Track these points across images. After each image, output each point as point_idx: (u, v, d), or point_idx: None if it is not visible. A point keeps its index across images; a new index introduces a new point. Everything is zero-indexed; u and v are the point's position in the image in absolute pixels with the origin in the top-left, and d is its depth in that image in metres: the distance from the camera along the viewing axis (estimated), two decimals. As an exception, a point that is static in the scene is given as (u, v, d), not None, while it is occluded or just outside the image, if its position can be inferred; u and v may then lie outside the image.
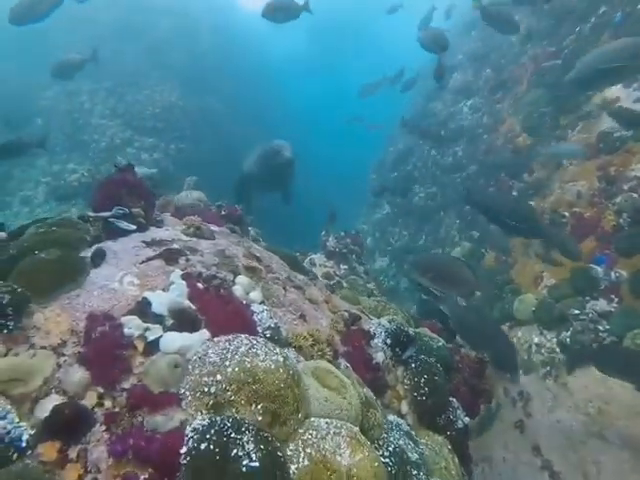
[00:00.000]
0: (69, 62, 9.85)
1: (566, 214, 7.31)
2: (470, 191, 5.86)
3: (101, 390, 1.62)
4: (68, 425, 1.46)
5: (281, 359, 1.91)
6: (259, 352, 1.89)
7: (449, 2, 16.47)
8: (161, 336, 1.86)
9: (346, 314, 2.74)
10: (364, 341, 2.79)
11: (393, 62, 18.50)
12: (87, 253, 2.25)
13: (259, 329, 2.17)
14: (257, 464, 1.53)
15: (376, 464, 1.87)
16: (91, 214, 2.50)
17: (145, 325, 1.85)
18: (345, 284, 6.63)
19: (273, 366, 1.85)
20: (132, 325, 1.82)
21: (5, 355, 1.61)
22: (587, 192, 7.17)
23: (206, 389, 1.72)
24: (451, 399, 3.24)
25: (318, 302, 2.73)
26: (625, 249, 6.28)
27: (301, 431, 1.84)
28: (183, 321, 1.96)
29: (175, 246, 2.42)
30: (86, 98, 14.27)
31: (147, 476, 1.45)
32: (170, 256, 2.26)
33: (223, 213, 5.20)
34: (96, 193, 2.63)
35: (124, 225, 2.44)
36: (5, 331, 1.65)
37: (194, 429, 1.61)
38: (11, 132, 11.22)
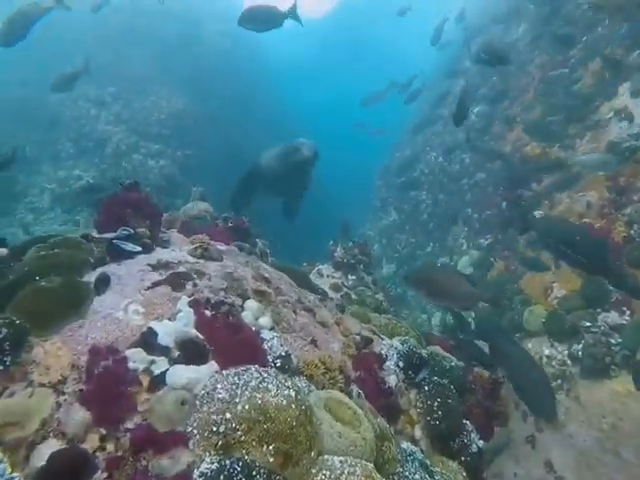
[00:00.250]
0: (63, 76, 9.88)
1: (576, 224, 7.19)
2: (533, 220, 5.62)
3: (103, 431, 1.53)
4: (66, 475, 1.36)
5: (293, 393, 1.82)
6: (270, 386, 1.79)
7: (460, 7, 16.33)
8: (167, 369, 1.77)
9: (357, 337, 2.65)
10: (376, 365, 2.69)
11: (399, 68, 18.47)
12: (91, 277, 2.17)
13: (269, 358, 2.08)
14: (269, 513, 1.44)
15: (393, 505, 1.77)
16: (95, 235, 2.42)
17: (150, 358, 1.76)
18: (354, 295, 6.53)
19: (285, 402, 1.75)
20: (137, 359, 1.73)
21: (0, 394, 1.52)
22: (597, 203, 7.05)
23: (215, 428, 1.63)
24: (465, 422, 3.13)
25: (329, 325, 2.64)
26: (636, 261, 6.15)
27: (314, 471, 1.74)
28: (190, 352, 1.87)
29: (182, 269, 2.33)
30: (92, 104, 14.28)
31: (152, 527, 1.36)
32: (177, 281, 2.17)
33: (230, 225, 5.14)
34: (100, 212, 2.55)
35: (129, 247, 2.36)
36: (1, 367, 1.56)
37: (202, 474, 1.51)
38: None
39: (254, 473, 1.54)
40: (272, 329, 2.28)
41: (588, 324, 6.10)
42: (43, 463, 1.37)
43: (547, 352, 6.72)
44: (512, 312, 7.59)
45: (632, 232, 6.37)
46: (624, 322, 5.91)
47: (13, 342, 1.61)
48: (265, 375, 1.84)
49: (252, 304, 2.27)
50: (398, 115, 16.99)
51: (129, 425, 1.58)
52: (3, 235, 9.57)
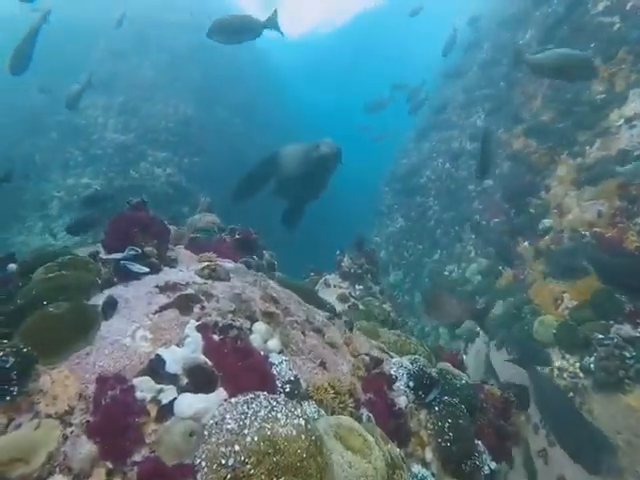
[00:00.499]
0: (70, 95, 10.01)
1: (586, 234, 7.10)
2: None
3: (110, 465, 1.50)
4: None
5: (303, 423, 1.78)
6: (279, 415, 1.76)
7: (471, 9, 16.28)
8: (175, 398, 1.75)
9: (367, 358, 2.61)
10: (386, 386, 2.65)
11: (406, 74, 18.46)
12: (98, 299, 2.15)
13: (278, 383, 2.04)
14: None
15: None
16: (103, 256, 2.41)
17: (158, 387, 1.73)
18: (361, 306, 6.48)
19: (295, 432, 1.71)
20: (144, 388, 1.70)
21: (7, 426, 1.49)
22: (608, 211, 6.95)
23: (223, 461, 1.60)
24: (477, 442, 3.07)
25: (338, 346, 2.60)
26: (651, 271, 6.04)
27: (325, 504, 1.70)
28: (199, 380, 1.84)
29: (190, 291, 2.31)
30: (100, 112, 14.41)
31: None
32: (184, 304, 2.15)
33: (237, 237, 5.12)
34: (108, 231, 2.54)
35: (136, 268, 2.34)
36: (8, 398, 1.54)
37: (210, 509, 1.48)
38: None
39: (264, 509, 1.50)
40: (281, 352, 2.25)
41: (601, 336, 5.99)
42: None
43: (558, 364, 6.62)
44: (521, 322, 7.50)
45: (645, 241, 6.26)
46: (638, 334, 5.80)
47: (20, 371, 1.59)
48: (274, 403, 1.81)
49: (260, 327, 2.24)
50: (401, 119, 16.94)
51: (136, 458, 1.55)
52: (13, 243, 9.60)
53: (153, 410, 1.68)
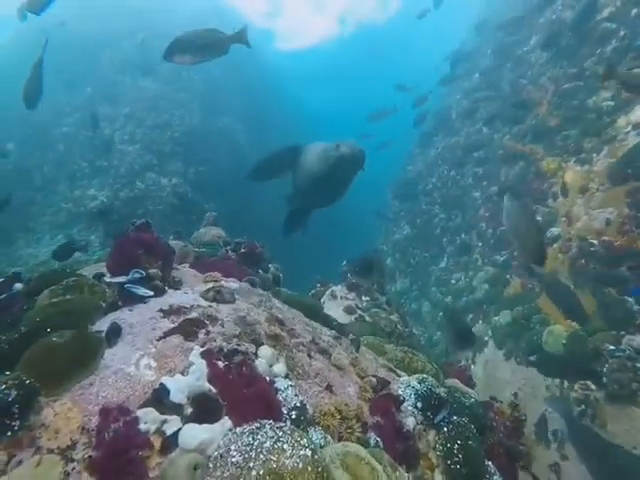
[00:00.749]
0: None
1: (595, 242, 7.02)
2: None
3: (113, 503, 1.48)
4: None
5: (309, 453, 1.74)
6: (285, 447, 1.72)
7: (475, 19, 16.29)
8: (180, 429, 1.72)
9: (374, 380, 2.57)
10: (394, 407, 2.60)
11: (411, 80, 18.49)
12: (102, 324, 2.14)
13: (284, 410, 2.01)
14: None
15: None
16: (107, 278, 2.40)
17: (162, 418, 1.71)
18: (367, 318, 6.43)
19: (301, 465, 1.68)
20: (148, 419, 1.68)
21: (7, 463, 1.47)
22: (616, 219, 6.87)
23: (229, 496, 1.57)
24: (487, 463, 3.01)
25: (344, 367, 2.56)
26: (662, 281, 5.96)
27: (332, 538, 1.66)
28: (204, 408, 1.81)
29: (194, 314, 2.28)
30: (106, 124, 14.53)
31: None
32: (189, 329, 2.12)
33: (243, 250, 5.10)
34: (112, 253, 2.53)
35: (141, 292, 2.33)
36: (9, 433, 1.52)
37: None
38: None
39: None
40: (287, 376, 2.22)
41: (612, 347, 5.89)
42: None
43: (569, 375, 6.52)
44: (531, 332, 7.42)
45: (654, 250, 6.17)
46: (650, 346, 5.70)
47: (22, 404, 1.57)
48: (280, 433, 1.77)
49: (266, 351, 2.21)
50: (405, 125, 16.93)
51: (140, 495, 1.52)
52: (21, 255, 9.62)
53: (157, 442, 1.65)
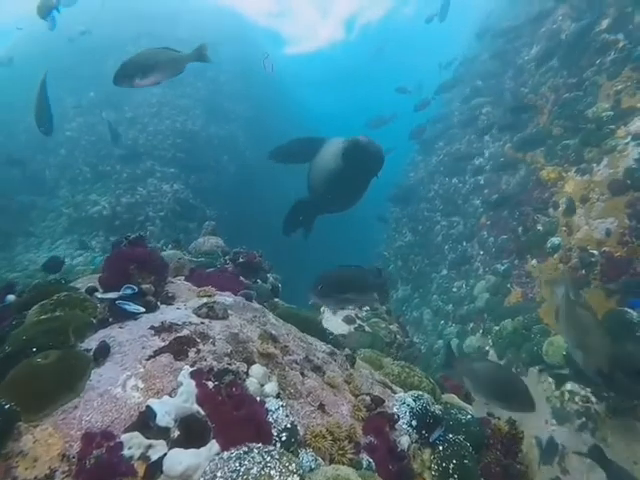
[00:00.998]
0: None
1: (595, 252, 6.98)
2: None
3: (94, 534, 1.45)
4: None
5: (297, 479, 1.72)
6: (273, 473, 1.69)
7: (480, 23, 16.32)
8: (165, 454, 1.69)
9: (368, 399, 2.53)
10: (388, 426, 2.56)
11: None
12: (92, 342, 2.12)
13: (274, 432, 1.98)
14: None
15: None
16: (99, 294, 2.38)
17: (147, 442, 1.68)
18: (367, 327, 6.40)
19: (288, 492, 1.65)
20: (133, 444, 1.65)
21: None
22: (617, 230, 6.83)
23: (213, 525, 1.54)
24: (483, 482, 2.96)
25: (338, 385, 2.53)
26: (662, 294, 5.91)
27: None
28: (191, 431, 1.79)
29: (186, 332, 2.26)
30: (109, 129, 14.58)
31: None
32: (179, 348, 2.10)
33: (241, 260, 5.08)
34: (104, 268, 2.51)
35: (132, 308, 2.31)
36: (-16, 463, 1.49)
37: None
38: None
39: None
40: (278, 396, 2.19)
41: (612, 360, 5.82)
42: None
43: (569, 387, 6.47)
44: (531, 342, 7.36)
45: (655, 263, 6.12)
46: (651, 358, 5.63)
47: (1, 431, 1.54)
48: (268, 459, 1.74)
49: (257, 370, 2.19)
50: (409, 127, 16.96)
51: (122, 524, 1.49)
52: (20, 261, 9.59)
53: (141, 468, 1.62)
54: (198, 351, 2.15)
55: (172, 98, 16.25)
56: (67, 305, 2.36)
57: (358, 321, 6.44)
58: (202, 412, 1.87)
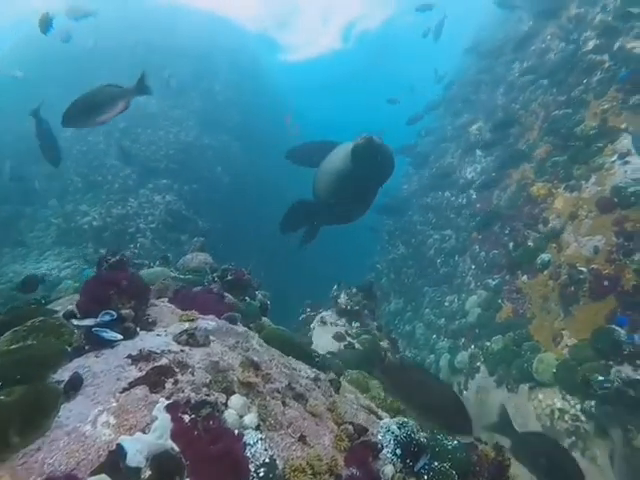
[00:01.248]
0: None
1: (584, 269, 7.00)
2: None
3: None
4: None
5: (273, 522, 1.67)
6: (247, 514, 1.65)
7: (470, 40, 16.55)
8: (135, 496, 1.63)
9: (350, 428, 2.48)
10: (371, 457, 2.51)
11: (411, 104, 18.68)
12: (64, 372, 2.05)
13: (252, 467, 1.92)
14: None
15: None
16: (75, 321, 2.32)
17: (116, 485, 1.62)
18: (357, 345, 6.35)
19: (262, 535, 1.60)
20: (100, 488, 1.59)
21: None
22: (604, 247, 6.87)
23: None
24: (470, 511, 2.91)
25: (320, 414, 2.48)
26: (649, 312, 5.93)
27: None
28: (164, 470, 1.72)
29: (164, 361, 2.21)
30: (102, 139, 14.52)
31: None
32: (156, 379, 2.05)
33: (229, 278, 5.03)
34: (82, 293, 2.46)
35: (109, 336, 2.25)
36: None
37: None
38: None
39: None
40: (258, 427, 2.14)
41: (601, 378, 5.82)
42: None
43: (559, 405, 6.44)
44: (521, 359, 7.34)
45: (641, 281, 6.15)
46: (638, 377, 5.63)
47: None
48: (243, 499, 1.69)
49: (237, 401, 2.13)
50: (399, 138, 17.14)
51: None
52: (4, 272, 9.38)
53: (108, 514, 1.56)
54: (176, 382, 2.10)
55: (166, 109, 16.25)
56: (42, 331, 2.30)
57: (348, 338, 6.38)
58: (176, 448, 1.81)
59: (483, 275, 10.11)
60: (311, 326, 6.84)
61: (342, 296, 6.88)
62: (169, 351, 2.30)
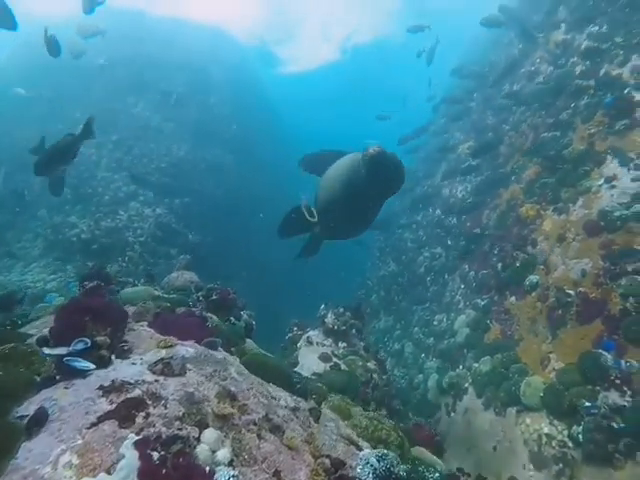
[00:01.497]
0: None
1: (571, 292, 7.02)
2: None
3: None
4: None
5: None
6: None
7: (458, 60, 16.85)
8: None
9: (327, 462, 2.43)
10: (349, 491, 2.46)
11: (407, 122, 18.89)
12: (30, 406, 1.99)
13: (221, 507, 1.87)
14: None
15: None
16: (46, 350, 2.26)
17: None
18: (343, 366, 6.28)
19: None
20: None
21: None
22: (592, 271, 6.90)
23: None
24: None
25: (297, 447, 2.43)
26: (634, 337, 5.93)
27: None
28: (128, 513, 1.67)
29: (137, 392, 2.15)
30: (94, 150, 14.48)
31: None
32: (127, 412, 1.99)
33: (214, 298, 4.98)
34: (56, 319, 2.40)
35: (81, 366, 2.19)
36: None
37: None
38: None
39: None
40: (231, 463, 2.08)
41: (588, 404, 5.79)
42: None
43: (546, 430, 6.38)
44: (509, 382, 7.29)
45: (628, 305, 6.16)
46: (625, 404, 5.61)
47: None
48: None
49: (210, 435, 2.08)
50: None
51: None
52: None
53: None
54: (147, 415, 2.04)
55: (159, 121, 16.30)
56: (11, 360, 2.24)
57: (334, 359, 6.31)
58: (143, 489, 1.75)
59: (472, 295, 10.10)
60: (297, 345, 6.77)
61: (329, 315, 6.83)
62: (143, 381, 2.24)
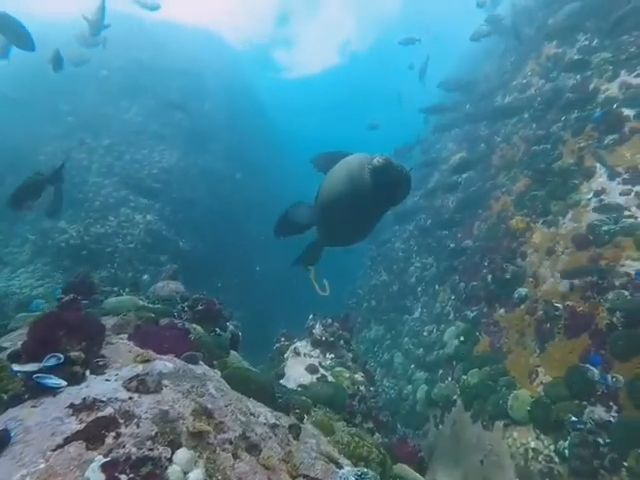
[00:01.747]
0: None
1: (559, 306, 7.04)
2: None
3: None
4: None
5: None
6: None
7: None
8: None
9: (305, 483, 2.38)
10: (326, 512, 2.42)
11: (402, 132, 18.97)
12: (-2, 425, 1.93)
13: (191, 533, 1.82)
14: None
15: None
16: (15, 367, 2.20)
17: None
18: (330, 377, 6.22)
19: None
20: None
21: None
22: (579, 285, 6.93)
23: None
24: None
25: (273, 466, 2.38)
26: (620, 352, 5.94)
27: None
28: (90, 540, 1.61)
29: (109, 410, 2.10)
30: (85, 155, 14.39)
31: None
32: (96, 433, 1.93)
33: (200, 308, 4.93)
34: (28, 333, 2.34)
35: (51, 383, 2.14)
36: None
37: None
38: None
39: None
40: (203, 485, 2.03)
41: (574, 419, 5.78)
42: None
43: (533, 444, 6.37)
44: (497, 395, 7.27)
45: (614, 319, 6.18)
46: (611, 419, 5.61)
47: None
48: None
49: (182, 455, 2.03)
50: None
51: None
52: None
53: None
54: (118, 435, 1.98)
55: (152, 126, 16.24)
56: (-19, 376, 2.18)
57: (322, 370, 6.26)
58: (108, 515, 1.70)
59: (462, 306, 10.10)
60: (285, 356, 6.71)
61: (317, 326, 6.79)
62: (116, 399, 2.19)
